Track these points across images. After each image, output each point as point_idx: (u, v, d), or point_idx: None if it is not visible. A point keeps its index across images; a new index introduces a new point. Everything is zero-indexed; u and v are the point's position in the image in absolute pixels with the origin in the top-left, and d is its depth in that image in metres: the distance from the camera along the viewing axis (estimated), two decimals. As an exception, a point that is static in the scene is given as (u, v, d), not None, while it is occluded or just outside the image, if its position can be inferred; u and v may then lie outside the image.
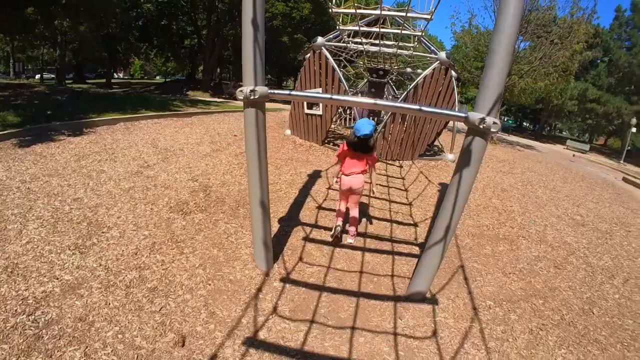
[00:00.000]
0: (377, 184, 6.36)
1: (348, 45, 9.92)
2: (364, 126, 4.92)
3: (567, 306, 4.74)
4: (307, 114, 11.49)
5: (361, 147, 5.08)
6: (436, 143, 13.12)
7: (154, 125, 11.64)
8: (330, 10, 8.29)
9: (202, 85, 35.70)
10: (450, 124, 11.93)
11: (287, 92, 4.28)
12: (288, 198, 7.08)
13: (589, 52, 23.47)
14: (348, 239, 5.56)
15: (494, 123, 3.25)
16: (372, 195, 5.75)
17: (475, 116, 3.26)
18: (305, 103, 11.40)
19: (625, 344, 4.12)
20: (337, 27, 8.40)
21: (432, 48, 10.56)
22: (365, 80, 13.74)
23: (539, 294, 4.95)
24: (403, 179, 9.29)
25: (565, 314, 4.56)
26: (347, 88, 10.10)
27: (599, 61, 43.68)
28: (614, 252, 6.79)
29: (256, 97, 3.65)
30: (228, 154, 9.33)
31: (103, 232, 4.98)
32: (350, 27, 7.94)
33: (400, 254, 5.54)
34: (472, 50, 23.72)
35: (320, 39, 10.40)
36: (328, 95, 4.00)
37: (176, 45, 41.84)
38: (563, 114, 46.84)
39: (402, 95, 9.85)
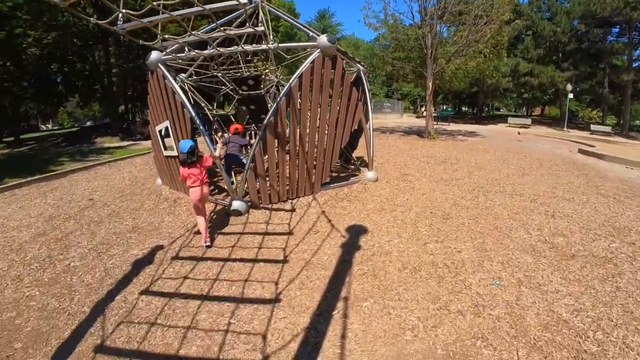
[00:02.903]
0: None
1: (191, 53, 6.76)
2: (183, 144, 5.88)
3: None
4: (166, 157, 8.37)
5: (191, 159, 5.78)
6: (355, 155, 10.24)
7: (5, 200, 9.52)
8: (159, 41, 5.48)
9: (111, 129, 31.66)
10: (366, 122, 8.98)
11: None
12: (61, 331, 4.09)
13: (519, 20, 21.52)
14: (202, 242, 5.98)
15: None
16: None
17: None
18: (160, 140, 8.28)
19: None
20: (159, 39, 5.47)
21: (303, 28, 7.53)
22: (236, 98, 10.45)
23: None
24: (290, 234, 6.28)
25: None
26: (193, 115, 6.97)
27: (523, 36, 43.31)
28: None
29: None
30: (42, 243, 6.54)
31: None
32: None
33: None
34: (391, 40, 21.30)
35: (155, 55, 7.33)
36: None
37: (80, 87, 37.42)
38: (498, 92, 46.15)
39: (271, 110, 6.78)
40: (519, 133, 28.87)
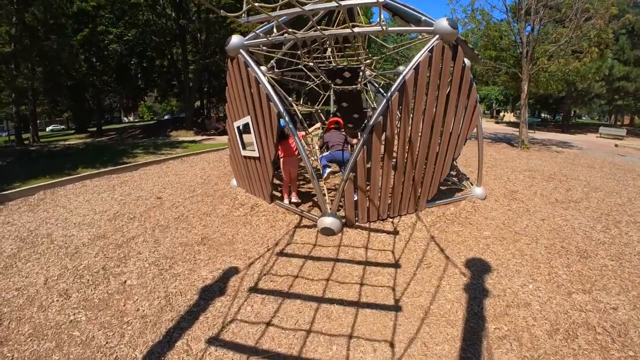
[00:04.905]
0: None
1: (280, 37, 5.65)
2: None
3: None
4: (244, 157, 7.39)
5: (282, 137, 6.61)
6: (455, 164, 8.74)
7: (75, 191, 9.34)
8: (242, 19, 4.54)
9: (186, 123, 32.18)
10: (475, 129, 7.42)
11: None
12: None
13: (629, 15, 18.61)
14: (293, 199, 7.09)
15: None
16: None
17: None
18: (238, 140, 7.33)
19: None
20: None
21: (420, 16, 6.14)
22: (326, 93, 9.18)
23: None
24: (396, 266, 4.96)
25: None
26: (281, 109, 5.89)
27: (618, 34, 38.50)
28: None
29: None
30: (100, 248, 5.75)
31: None
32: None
33: None
34: (480, 37, 19.29)
35: (236, 39, 6.32)
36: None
37: (157, 82, 38.72)
38: (587, 98, 41.52)
39: (379, 109, 5.57)
40: (616, 145, 25.63)
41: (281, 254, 5.20)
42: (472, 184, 8.21)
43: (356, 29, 4.87)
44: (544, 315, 3.98)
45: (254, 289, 4.43)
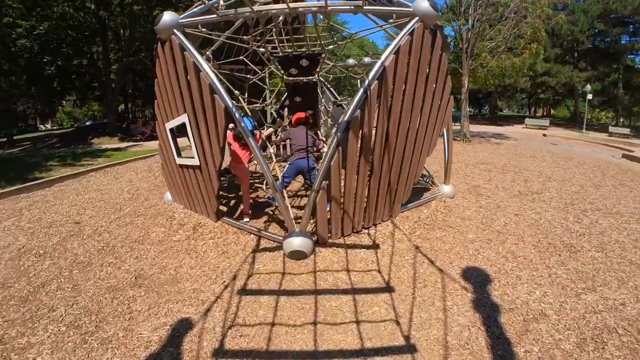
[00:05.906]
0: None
1: (230, 11, 4.49)
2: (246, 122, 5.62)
3: None
4: (180, 166, 6.15)
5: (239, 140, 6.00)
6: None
7: None
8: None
9: (109, 129, 29.38)
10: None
11: None
12: None
13: (563, 14, 19.64)
14: (245, 219, 6.00)
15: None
16: None
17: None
18: (172, 145, 6.09)
19: None
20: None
21: None
22: (277, 87, 8.13)
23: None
24: (389, 289, 4.00)
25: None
26: (229, 104, 4.75)
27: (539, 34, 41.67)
28: None
29: None
30: None
31: None
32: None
33: None
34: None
35: (169, 16, 5.09)
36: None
37: (75, 84, 35.20)
38: (512, 92, 44.54)
39: (355, 100, 4.50)
40: (544, 135, 27.34)
41: (244, 291, 4.06)
42: (434, 182, 7.80)
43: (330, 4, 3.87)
44: (565, 325, 3.57)
45: (221, 352, 3.20)
